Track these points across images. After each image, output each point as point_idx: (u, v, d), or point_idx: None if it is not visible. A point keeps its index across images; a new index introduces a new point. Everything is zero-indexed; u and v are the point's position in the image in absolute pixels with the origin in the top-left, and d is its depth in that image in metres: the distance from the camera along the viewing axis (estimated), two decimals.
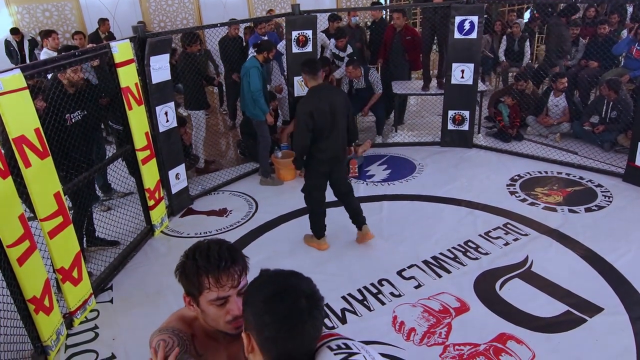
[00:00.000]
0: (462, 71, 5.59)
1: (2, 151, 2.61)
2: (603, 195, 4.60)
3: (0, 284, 2.62)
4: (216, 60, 7.95)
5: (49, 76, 4.11)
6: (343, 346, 0.97)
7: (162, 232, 4.36)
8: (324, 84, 3.73)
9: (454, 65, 5.61)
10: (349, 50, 6.35)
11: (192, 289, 1.20)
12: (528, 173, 5.18)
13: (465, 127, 5.85)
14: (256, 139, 5.26)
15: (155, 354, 1.11)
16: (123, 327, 3.16)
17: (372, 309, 3.22)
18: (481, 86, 6.22)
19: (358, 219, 3.92)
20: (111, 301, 3.45)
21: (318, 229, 3.94)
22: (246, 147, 5.81)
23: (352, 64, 5.85)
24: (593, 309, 3.09)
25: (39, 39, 7.96)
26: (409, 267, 3.63)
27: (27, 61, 7.21)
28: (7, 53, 7.68)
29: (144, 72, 4.05)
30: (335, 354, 0.94)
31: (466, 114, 5.78)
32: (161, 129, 4.29)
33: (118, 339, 3.07)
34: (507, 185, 4.92)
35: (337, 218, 4.44)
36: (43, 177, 2.84)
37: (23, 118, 2.70)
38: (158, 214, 4.30)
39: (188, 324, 1.28)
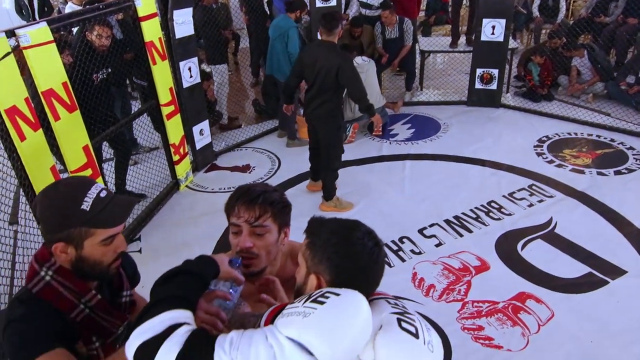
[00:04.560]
0: (493, 27, 5.37)
1: (32, 104, 2.67)
2: (634, 158, 4.46)
3: (39, 239, 2.74)
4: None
5: (75, 30, 4.13)
6: (400, 305, 1.00)
7: (187, 186, 4.45)
8: (324, 41, 3.61)
9: (485, 21, 5.38)
10: None
11: (227, 210, 1.28)
12: (557, 134, 5.05)
13: (494, 86, 5.68)
14: (279, 101, 5.22)
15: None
16: (151, 275, 3.24)
17: (392, 265, 3.26)
18: (512, 43, 6.00)
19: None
20: (140, 251, 3.58)
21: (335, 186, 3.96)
22: (268, 108, 5.78)
23: (388, 8, 5.63)
24: (616, 272, 3.06)
25: None
26: (431, 225, 3.64)
27: (37, 18, 7.14)
28: (18, 10, 7.64)
29: (167, 26, 4.02)
30: (391, 307, 0.97)
31: (495, 72, 5.60)
32: (185, 85, 4.29)
33: (147, 287, 3.19)
34: (535, 147, 4.81)
35: (358, 176, 4.46)
36: (72, 130, 2.90)
37: (51, 71, 2.73)
38: (183, 168, 4.38)
39: None
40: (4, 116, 2.35)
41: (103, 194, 1.14)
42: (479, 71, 5.67)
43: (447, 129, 5.35)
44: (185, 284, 1.00)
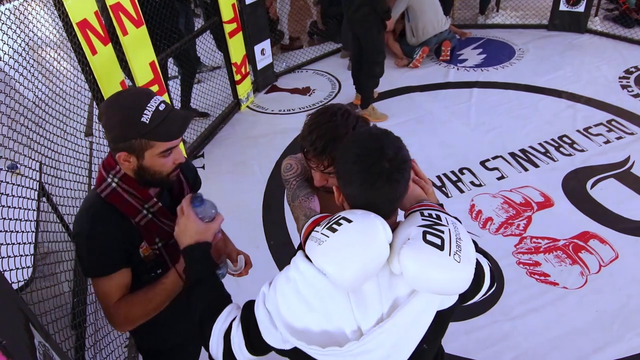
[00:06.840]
0: None
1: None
2: None
3: None
4: None
5: None
6: (434, 216, 0.98)
7: (247, 107, 4.49)
8: None
9: None
10: None
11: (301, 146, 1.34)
12: None
13: (581, 8, 5.11)
14: (342, 23, 5.00)
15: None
16: (213, 190, 3.44)
17: (450, 195, 3.21)
18: None
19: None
20: (203, 167, 3.74)
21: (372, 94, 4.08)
22: (330, 29, 5.56)
23: None
24: None
25: None
26: (494, 158, 3.51)
27: None
28: None
29: None
30: (422, 219, 0.97)
31: None
32: (247, 1, 4.19)
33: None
34: (620, 78, 4.38)
35: (420, 103, 4.30)
36: (139, 46, 2.95)
37: None
38: (244, 88, 4.40)
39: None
40: (76, 29, 2.41)
41: (162, 107, 1.18)
42: None
43: (522, 56, 4.95)
44: (208, 287, 1.14)
